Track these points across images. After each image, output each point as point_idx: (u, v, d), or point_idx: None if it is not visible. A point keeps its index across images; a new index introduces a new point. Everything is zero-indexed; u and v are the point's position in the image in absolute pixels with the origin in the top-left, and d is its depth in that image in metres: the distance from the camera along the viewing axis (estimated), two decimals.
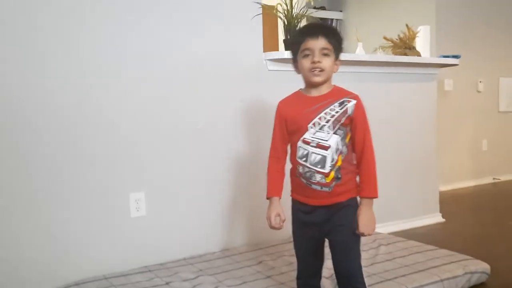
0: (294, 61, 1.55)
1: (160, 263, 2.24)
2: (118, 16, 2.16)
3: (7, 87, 1.94)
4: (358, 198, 1.54)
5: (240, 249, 2.44)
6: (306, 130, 1.48)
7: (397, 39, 3.20)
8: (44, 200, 2.03)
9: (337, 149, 1.47)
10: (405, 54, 3.12)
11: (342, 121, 1.47)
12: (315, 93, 1.51)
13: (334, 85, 1.54)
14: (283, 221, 1.58)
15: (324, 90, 1.51)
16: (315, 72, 1.47)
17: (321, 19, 5.25)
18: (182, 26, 2.33)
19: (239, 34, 2.50)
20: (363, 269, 1.59)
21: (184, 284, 1.98)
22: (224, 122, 2.47)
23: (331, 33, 1.50)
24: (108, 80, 2.15)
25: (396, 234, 2.88)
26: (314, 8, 4.93)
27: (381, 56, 3.02)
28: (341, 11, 5.38)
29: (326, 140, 1.46)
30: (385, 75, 3.07)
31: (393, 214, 3.12)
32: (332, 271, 2.00)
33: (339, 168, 1.48)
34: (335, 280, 1.95)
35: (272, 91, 2.58)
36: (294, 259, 2.24)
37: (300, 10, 2.53)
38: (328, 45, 1.47)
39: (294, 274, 2.06)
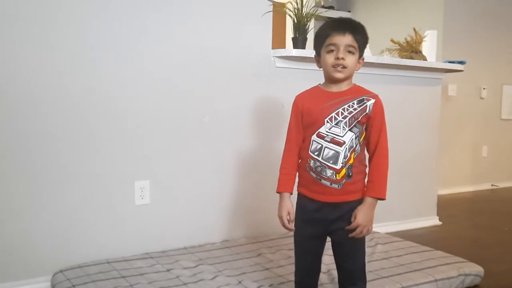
0: (317, 54, 1.51)
1: (161, 251, 2.29)
2: (130, 8, 2.20)
3: (16, 72, 1.98)
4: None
5: (240, 241, 2.48)
6: (322, 124, 1.45)
7: (404, 42, 3.23)
8: (50, 184, 2.07)
9: (351, 147, 1.44)
10: (411, 58, 3.15)
11: (359, 119, 1.45)
12: (334, 89, 1.49)
13: (354, 84, 1.52)
14: (292, 221, 1.54)
15: (344, 87, 1.48)
16: (337, 68, 1.44)
17: (329, 18, 5.27)
18: (191, 20, 2.35)
19: (249, 30, 2.53)
20: None
21: (184, 271, 2.03)
22: (230, 117, 2.50)
23: (359, 31, 1.46)
24: (117, 69, 2.19)
25: (393, 234, 2.92)
26: (323, 7, 4.94)
27: (387, 59, 3.05)
28: (349, 11, 5.40)
29: (341, 136, 1.44)
30: (391, 77, 3.10)
31: (391, 215, 3.16)
32: (329, 266, 2.05)
33: (351, 166, 1.45)
34: (332, 275, 2.01)
35: (279, 88, 2.63)
36: (293, 253, 2.27)
37: (310, 9, 2.57)
38: (354, 43, 1.43)
39: (292, 268, 2.11)
